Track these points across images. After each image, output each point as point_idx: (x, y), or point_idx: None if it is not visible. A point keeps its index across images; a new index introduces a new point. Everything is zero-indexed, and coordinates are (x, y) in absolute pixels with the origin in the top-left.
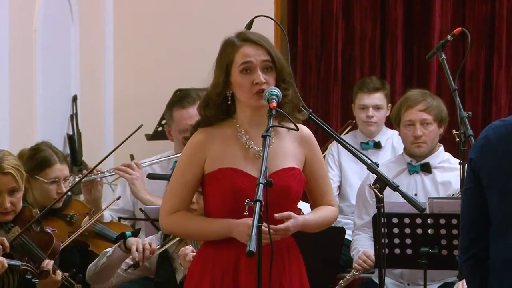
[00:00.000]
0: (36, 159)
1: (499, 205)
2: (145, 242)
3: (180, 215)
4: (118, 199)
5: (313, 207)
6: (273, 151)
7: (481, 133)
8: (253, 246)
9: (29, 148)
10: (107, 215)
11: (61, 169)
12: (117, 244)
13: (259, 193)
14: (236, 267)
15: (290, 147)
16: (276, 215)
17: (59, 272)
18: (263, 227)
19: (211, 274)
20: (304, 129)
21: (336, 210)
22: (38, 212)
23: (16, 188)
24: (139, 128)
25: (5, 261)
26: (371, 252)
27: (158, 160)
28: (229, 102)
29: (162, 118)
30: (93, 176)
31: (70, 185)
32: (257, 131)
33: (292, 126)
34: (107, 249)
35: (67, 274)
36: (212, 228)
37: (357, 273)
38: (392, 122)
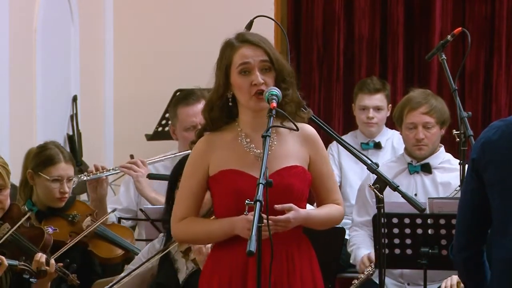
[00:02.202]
0: (41, 156)
1: (500, 204)
2: None
3: (186, 221)
4: (113, 211)
5: (318, 206)
6: (275, 152)
7: (481, 133)
8: (253, 246)
9: (37, 146)
10: (112, 215)
11: (65, 168)
12: None
13: (259, 193)
14: (245, 268)
15: (292, 147)
16: (276, 206)
17: (52, 263)
18: (264, 220)
19: (220, 275)
20: (307, 128)
21: (342, 209)
22: (26, 208)
23: (2, 186)
24: None
25: (5, 260)
26: (372, 254)
27: (162, 158)
28: (230, 104)
29: (162, 118)
30: (98, 174)
31: (74, 185)
32: (258, 134)
33: (293, 126)
34: None
35: (61, 264)
36: (216, 228)
37: (364, 275)
38: (394, 122)
